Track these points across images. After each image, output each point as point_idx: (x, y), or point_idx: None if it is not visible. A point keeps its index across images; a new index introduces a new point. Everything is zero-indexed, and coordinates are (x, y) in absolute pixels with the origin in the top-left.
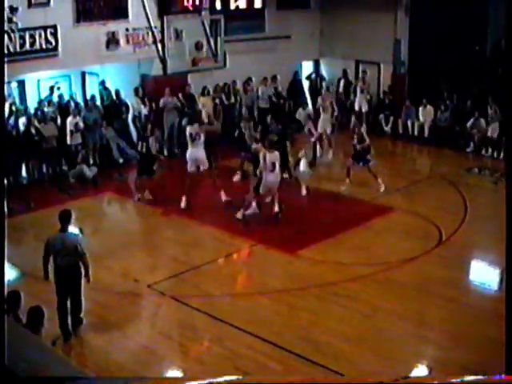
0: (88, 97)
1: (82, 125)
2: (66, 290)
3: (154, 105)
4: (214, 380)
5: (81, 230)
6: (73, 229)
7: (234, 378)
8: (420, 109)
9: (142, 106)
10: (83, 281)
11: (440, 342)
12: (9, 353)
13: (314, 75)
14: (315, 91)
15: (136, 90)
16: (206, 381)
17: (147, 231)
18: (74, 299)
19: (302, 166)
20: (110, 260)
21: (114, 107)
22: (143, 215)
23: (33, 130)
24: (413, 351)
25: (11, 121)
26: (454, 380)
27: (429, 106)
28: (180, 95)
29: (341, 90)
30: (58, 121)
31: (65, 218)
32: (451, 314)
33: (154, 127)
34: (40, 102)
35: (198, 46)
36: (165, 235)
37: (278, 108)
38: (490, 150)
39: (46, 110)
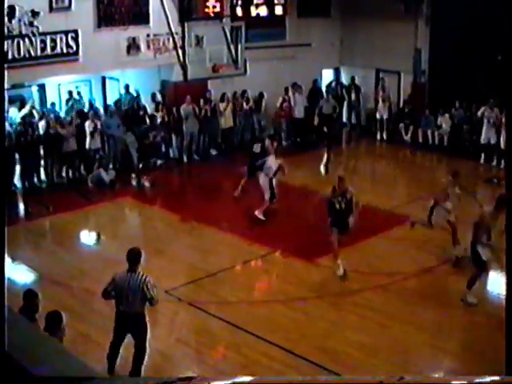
0: (108, 102)
1: (99, 129)
2: (125, 336)
3: (174, 111)
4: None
5: (98, 235)
6: (140, 268)
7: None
8: (439, 118)
9: (156, 114)
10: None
11: (457, 353)
12: (27, 354)
13: (334, 84)
14: (337, 99)
15: (153, 96)
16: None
17: (165, 237)
18: (137, 349)
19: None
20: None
21: (133, 112)
22: (161, 221)
23: (52, 133)
24: (429, 362)
25: (36, 122)
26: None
27: (446, 115)
28: (201, 101)
29: (353, 97)
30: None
31: (134, 257)
32: (469, 324)
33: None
34: (53, 104)
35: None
36: (182, 241)
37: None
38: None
39: (64, 114)
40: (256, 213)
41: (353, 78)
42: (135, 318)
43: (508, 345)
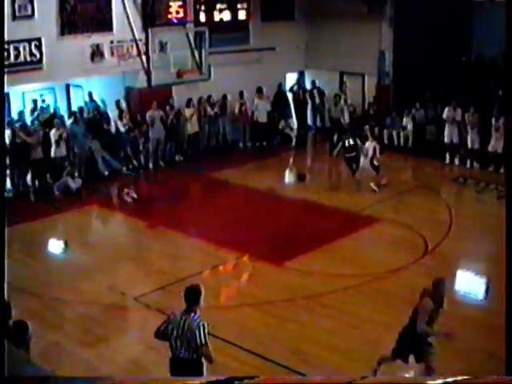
0: (73, 109)
1: (65, 137)
2: None
3: (139, 117)
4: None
5: (66, 244)
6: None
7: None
8: (404, 119)
9: (119, 122)
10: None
11: None
12: None
13: (296, 87)
14: (299, 103)
15: (117, 103)
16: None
17: (133, 244)
18: None
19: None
20: (96, 273)
21: (97, 120)
22: (129, 228)
23: (18, 142)
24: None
25: None
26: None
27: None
28: (167, 108)
29: (317, 100)
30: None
31: (192, 296)
32: (438, 324)
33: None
34: (21, 113)
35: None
36: (151, 248)
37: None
38: (469, 162)
39: (30, 122)
40: (371, 184)
41: (313, 82)
42: (189, 364)
43: (508, 345)
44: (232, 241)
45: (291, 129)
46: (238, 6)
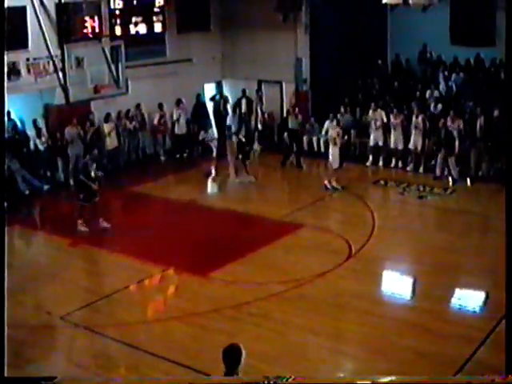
0: None
1: None
2: None
3: (58, 135)
4: None
5: None
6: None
7: None
8: (326, 123)
9: (38, 140)
10: None
11: (357, 355)
12: None
13: (218, 97)
14: (219, 113)
15: (34, 123)
16: None
17: (56, 263)
18: None
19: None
20: (20, 295)
21: (15, 139)
22: (51, 247)
23: None
24: (331, 366)
25: None
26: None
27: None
28: (87, 124)
29: (244, 109)
30: None
31: (232, 357)
32: (365, 326)
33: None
34: None
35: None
36: (74, 266)
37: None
38: (394, 162)
39: None
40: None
41: (244, 91)
42: None
43: (508, 345)
44: (156, 254)
45: (211, 139)
46: (154, 18)
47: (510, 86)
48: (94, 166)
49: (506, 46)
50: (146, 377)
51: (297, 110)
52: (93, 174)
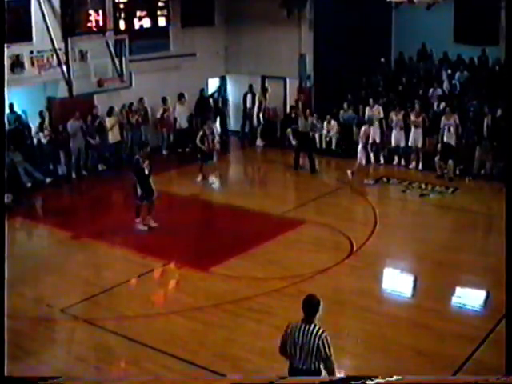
0: None
1: None
2: None
3: (61, 127)
4: None
5: None
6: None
7: None
8: (324, 124)
9: (41, 134)
10: None
11: (355, 352)
12: None
13: (216, 94)
14: (218, 109)
15: (40, 114)
16: None
17: (58, 255)
18: None
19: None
20: (21, 286)
21: (18, 131)
22: (53, 239)
23: None
24: None
25: None
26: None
27: (333, 121)
28: (89, 117)
29: (249, 104)
30: None
31: (311, 306)
32: (365, 323)
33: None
34: None
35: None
36: (75, 259)
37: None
38: (396, 159)
39: None
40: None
41: (250, 86)
42: (308, 376)
43: (508, 344)
44: (157, 248)
45: (213, 134)
46: (158, 12)
47: (511, 86)
48: (147, 162)
49: (506, 46)
50: (147, 370)
51: (308, 111)
52: (146, 171)
